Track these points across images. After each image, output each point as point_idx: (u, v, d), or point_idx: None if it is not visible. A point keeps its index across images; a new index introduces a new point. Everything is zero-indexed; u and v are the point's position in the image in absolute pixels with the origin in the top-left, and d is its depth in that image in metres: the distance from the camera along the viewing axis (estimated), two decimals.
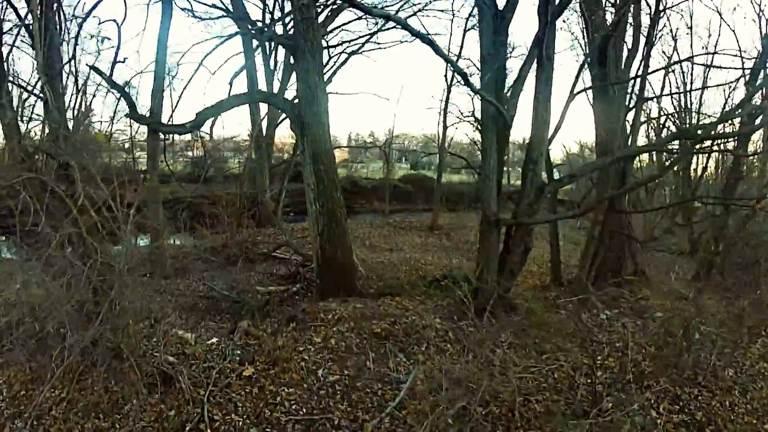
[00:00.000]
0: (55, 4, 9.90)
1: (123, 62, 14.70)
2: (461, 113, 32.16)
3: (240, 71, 9.54)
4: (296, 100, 10.82)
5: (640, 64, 10.50)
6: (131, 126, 33.53)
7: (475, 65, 32.70)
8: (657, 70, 9.03)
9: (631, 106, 10.33)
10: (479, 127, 34.59)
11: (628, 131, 11.32)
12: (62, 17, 10.74)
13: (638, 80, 10.96)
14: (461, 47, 22.68)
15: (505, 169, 40.72)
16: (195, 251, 16.20)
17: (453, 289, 10.41)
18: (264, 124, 21.67)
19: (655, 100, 14.32)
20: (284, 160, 29.31)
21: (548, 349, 8.11)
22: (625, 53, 10.47)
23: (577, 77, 9.71)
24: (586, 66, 10.68)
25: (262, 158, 19.74)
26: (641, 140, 12.29)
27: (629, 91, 10.48)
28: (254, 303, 11.28)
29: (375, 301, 9.29)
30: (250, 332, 7.81)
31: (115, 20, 15.35)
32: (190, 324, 9.50)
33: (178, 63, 25.25)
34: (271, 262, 14.63)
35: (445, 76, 22.77)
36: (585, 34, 11.96)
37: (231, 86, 10.43)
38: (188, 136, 34.13)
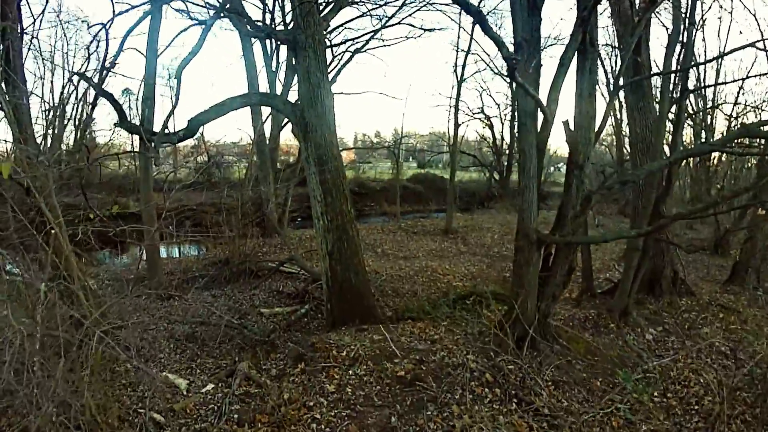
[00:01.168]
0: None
1: (112, 68, 13.59)
2: (470, 110, 31.08)
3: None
4: (298, 101, 9.60)
5: (680, 52, 9.10)
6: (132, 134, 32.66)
7: (482, 60, 31.68)
8: (716, 57, 7.52)
9: (672, 99, 8.95)
10: (489, 124, 33.72)
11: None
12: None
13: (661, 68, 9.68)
14: (470, 41, 21.34)
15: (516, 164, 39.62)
16: (196, 266, 15.05)
17: (480, 308, 9.25)
18: (268, 127, 20.61)
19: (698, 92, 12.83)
20: (290, 164, 28.16)
21: (598, 386, 6.85)
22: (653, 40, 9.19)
23: (621, 69, 8.35)
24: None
25: (265, 163, 18.50)
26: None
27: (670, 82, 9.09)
28: (258, 330, 10.08)
29: (394, 329, 8.05)
30: (251, 377, 6.57)
31: (102, 23, 14.16)
32: (185, 360, 8.31)
33: (169, 66, 24.10)
34: (278, 277, 13.41)
35: (455, 71, 21.46)
36: (615, 20, 10.62)
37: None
38: (191, 142, 33.28)
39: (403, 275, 13.59)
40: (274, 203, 18.56)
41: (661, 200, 8.68)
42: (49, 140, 32.08)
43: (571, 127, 6.55)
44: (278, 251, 16.39)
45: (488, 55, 34.61)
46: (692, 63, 8.59)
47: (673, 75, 8.87)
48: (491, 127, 32.80)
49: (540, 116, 6.40)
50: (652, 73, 8.39)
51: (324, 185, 8.69)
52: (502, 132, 34.02)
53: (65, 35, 27.36)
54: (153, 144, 14.31)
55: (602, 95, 30.24)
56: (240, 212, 14.26)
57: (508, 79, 31.64)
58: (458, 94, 21.01)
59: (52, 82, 29.24)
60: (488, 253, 17.46)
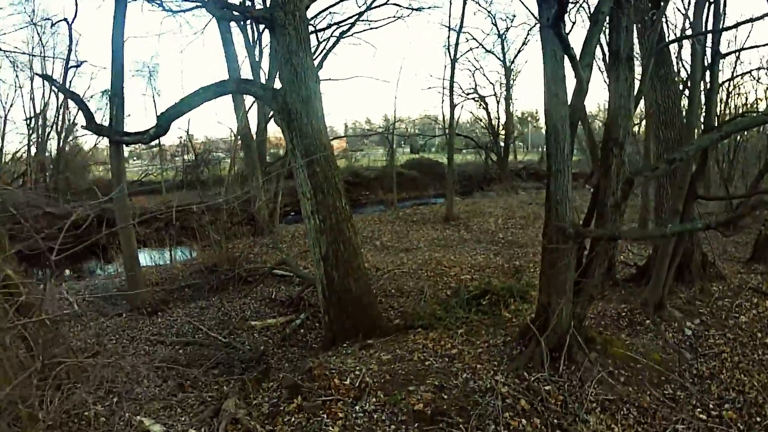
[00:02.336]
0: None
1: (78, 66, 12.44)
2: (464, 91, 29.77)
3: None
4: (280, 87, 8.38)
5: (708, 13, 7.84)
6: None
7: (475, 38, 30.35)
8: (754, 19, 6.34)
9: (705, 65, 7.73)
10: (484, 104, 32.37)
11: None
12: None
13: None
14: (462, 19, 19.98)
15: (513, 143, 38.36)
16: (183, 273, 13.86)
17: (498, 309, 8.12)
18: (255, 118, 19.31)
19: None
20: (280, 156, 26.87)
21: (648, 402, 5.76)
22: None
23: (651, 31, 7.09)
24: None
25: (252, 158, 17.22)
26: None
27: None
28: (248, 350, 8.95)
29: (404, 343, 6.91)
30: (238, 419, 5.41)
31: (65, 19, 12.86)
32: (164, 395, 7.16)
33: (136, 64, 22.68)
34: (270, 281, 12.23)
35: (447, 49, 20.12)
36: None
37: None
38: (176, 140, 31.93)
39: (406, 270, 12.44)
40: (263, 200, 17.33)
41: (697, 179, 7.52)
42: (33, 149, 30.75)
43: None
44: (270, 252, 15.19)
45: (482, 32, 33.32)
46: (733, 25, 7.32)
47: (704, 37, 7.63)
48: (486, 106, 31.50)
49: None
50: (685, 35, 7.21)
51: (313, 179, 7.49)
52: (498, 111, 32.72)
53: (41, 41, 25.91)
54: (123, 145, 13.17)
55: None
56: (225, 213, 12.97)
57: (501, 57, 30.37)
58: (452, 74, 19.74)
59: (32, 89, 27.74)
60: (493, 239, 16.33)
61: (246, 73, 19.14)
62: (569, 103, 5.18)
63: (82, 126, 17.53)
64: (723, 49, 7.96)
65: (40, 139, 30.11)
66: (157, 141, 32.24)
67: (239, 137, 17.54)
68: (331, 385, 5.74)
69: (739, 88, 21.66)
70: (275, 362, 8.54)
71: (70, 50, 13.85)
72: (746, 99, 20.64)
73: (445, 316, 7.68)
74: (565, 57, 4.83)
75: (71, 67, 14.54)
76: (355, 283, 7.41)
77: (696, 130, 8.05)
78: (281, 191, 18.86)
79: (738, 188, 17.39)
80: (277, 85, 8.66)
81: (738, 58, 22.65)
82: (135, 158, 49.37)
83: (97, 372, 8.15)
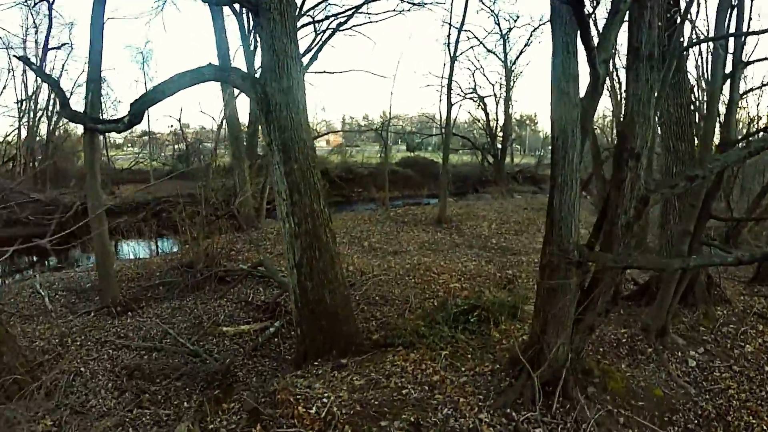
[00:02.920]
0: None
1: (59, 48, 11.63)
2: (462, 90, 29.00)
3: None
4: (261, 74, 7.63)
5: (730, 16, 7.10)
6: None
7: (476, 37, 29.44)
8: None
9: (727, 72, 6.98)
10: (483, 105, 31.59)
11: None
12: None
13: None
14: (464, 16, 19.17)
15: (510, 147, 37.61)
16: (161, 269, 13.06)
17: (488, 327, 7.40)
18: (246, 108, 18.52)
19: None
20: None
21: None
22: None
23: (673, 31, 6.33)
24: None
25: (240, 150, 16.41)
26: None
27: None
28: (217, 359, 8.20)
29: (381, 364, 6.17)
30: None
31: None
32: (121, 409, 6.43)
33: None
34: (249, 282, 11.46)
35: (447, 46, 19.32)
36: None
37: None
38: (167, 129, 31.06)
39: (393, 275, 11.70)
40: (248, 194, 16.54)
41: (711, 197, 6.81)
42: (24, 133, 29.81)
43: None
44: (253, 249, 14.41)
45: (485, 30, 32.53)
46: (762, 30, 6.57)
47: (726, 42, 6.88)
48: (485, 107, 30.73)
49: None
50: (708, 37, 6.47)
51: (289, 178, 6.72)
52: (496, 113, 31.92)
53: (35, 23, 24.97)
54: (99, 132, 12.35)
55: None
56: (204, 207, 12.15)
57: (502, 57, 29.64)
58: (451, 72, 18.95)
59: (24, 72, 26.77)
60: (486, 245, 15.61)
61: (240, 63, 18.36)
62: (580, 104, 4.43)
63: (56, 112, 16.72)
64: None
65: (31, 123, 29.25)
66: (147, 129, 31.50)
67: (224, 127, 16.66)
68: (295, 413, 5.01)
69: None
70: (244, 375, 7.80)
71: (49, 32, 13.04)
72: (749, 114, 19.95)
73: (428, 334, 6.93)
74: (575, 52, 4.07)
75: (51, 49, 13.77)
76: (331, 295, 6.65)
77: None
78: (269, 185, 18.04)
79: (738, 204, 16.67)
80: None
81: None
82: (129, 145, 48.39)
83: (50, 380, 7.38)
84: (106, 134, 33.26)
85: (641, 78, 4.40)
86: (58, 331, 9.63)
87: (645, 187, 4.57)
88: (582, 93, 4.56)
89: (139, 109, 8.33)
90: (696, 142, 8.37)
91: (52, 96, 27.01)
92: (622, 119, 4.68)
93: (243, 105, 50.47)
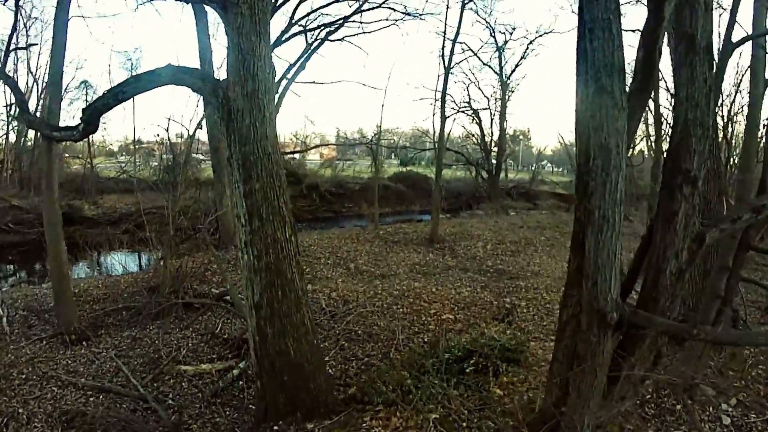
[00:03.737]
0: None
1: (27, 48, 10.48)
2: (456, 104, 27.94)
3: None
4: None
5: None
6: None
7: (471, 49, 28.42)
8: None
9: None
10: (478, 119, 30.47)
11: None
12: None
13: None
14: (459, 26, 18.14)
15: (504, 162, 36.56)
16: (128, 291, 11.74)
17: (487, 379, 6.15)
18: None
19: None
20: None
21: None
22: None
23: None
24: None
25: (219, 161, 15.16)
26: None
27: None
28: (169, 407, 6.91)
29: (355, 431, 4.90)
30: None
31: None
32: None
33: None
34: (220, 310, 10.16)
35: (442, 57, 18.22)
36: None
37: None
38: (154, 138, 29.71)
39: (379, 304, 10.43)
40: (230, 207, 15.26)
41: (754, 227, 5.63)
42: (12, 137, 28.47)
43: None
44: (231, 269, 13.12)
45: (480, 40, 31.64)
46: None
47: None
48: (479, 121, 29.62)
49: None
50: (751, 35, 5.37)
51: (249, 199, 5.50)
52: (491, 127, 30.81)
53: (26, 26, 23.81)
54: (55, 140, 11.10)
55: None
56: (172, 224, 10.83)
57: (497, 70, 28.68)
58: (445, 84, 17.84)
59: (15, 76, 25.47)
60: (481, 268, 14.38)
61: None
62: (627, 105, 3.18)
63: (14, 117, 15.52)
64: None
65: (20, 127, 27.96)
66: (133, 137, 30.19)
67: (195, 137, 15.39)
68: None
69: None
70: (198, 428, 6.51)
71: (13, 31, 11.79)
72: None
73: (415, 390, 5.65)
74: (620, 32, 2.87)
75: (16, 49, 12.66)
76: (296, 344, 5.36)
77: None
78: None
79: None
80: None
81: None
82: (123, 153, 46.96)
83: None
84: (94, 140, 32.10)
85: (698, 77, 3.22)
86: (7, 359, 8.52)
87: (700, 222, 3.35)
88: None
89: (91, 115, 7.30)
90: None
91: (41, 101, 25.85)
92: (671, 132, 3.48)
93: None
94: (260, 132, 5.77)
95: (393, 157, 47.10)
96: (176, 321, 9.90)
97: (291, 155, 29.89)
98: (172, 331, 9.48)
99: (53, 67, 10.42)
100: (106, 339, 9.48)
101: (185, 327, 9.57)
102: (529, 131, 55.86)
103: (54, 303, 10.23)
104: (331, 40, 19.69)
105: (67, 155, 33.92)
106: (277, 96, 18.11)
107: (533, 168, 49.41)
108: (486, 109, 30.30)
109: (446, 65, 17.78)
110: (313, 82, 19.04)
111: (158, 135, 28.93)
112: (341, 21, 18.93)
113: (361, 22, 19.84)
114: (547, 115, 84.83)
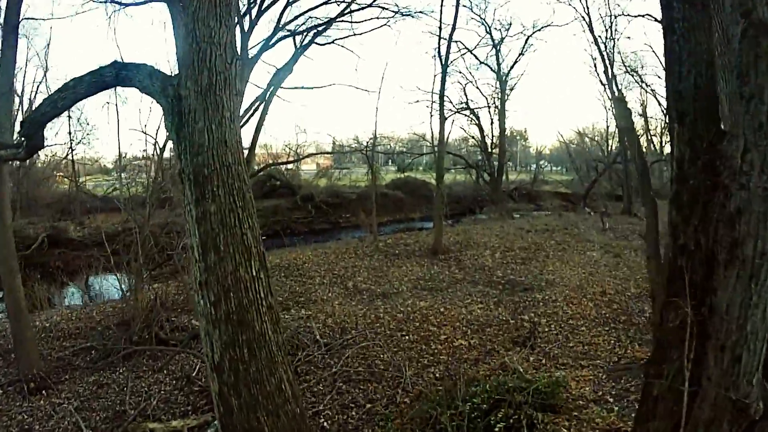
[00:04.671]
0: None
1: None
2: (454, 106, 26.55)
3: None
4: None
5: None
6: (71, 148, 27.79)
7: (468, 49, 26.98)
8: None
9: None
10: (477, 120, 29.05)
11: None
12: None
13: None
14: (454, 22, 16.82)
15: (509, 164, 35.19)
16: (101, 324, 10.37)
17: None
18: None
19: None
20: (252, 173, 23.48)
21: None
22: None
23: None
24: None
25: None
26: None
27: None
28: None
29: None
30: None
31: None
32: None
33: None
34: (200, 348, 8.77)
35: (438, 54, 16.90)
36: None
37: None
38: (140, 153, 28.38)
39: (382, 331, 9.08)
40: None
41: None
42: None
43: None
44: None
45: (478, 35, 30.29)
46: None
47: None
48: (479, 122, 28.19)
49: None
50: None
51: (202, 226, 4.16)
52: (491, 128, 29.35)
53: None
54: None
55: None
56: (141, 250, 9.41)
57: (495, 68, 27.42)
58: (443, 82, 16.52)
59: None
60: (491, 279, 13.00)
61: None
62: None
63: None
64: None
65: None
66: (118, 152, 28.83)
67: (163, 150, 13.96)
68: None
69: None
70: None
71: None
72: None
73: None
74: None
75: None
76: (272, 419, 3.93)
77: None
78: None
79: None
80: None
81: None
82: (116, 171, 45.60)
83: None
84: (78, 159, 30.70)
85: (761, 61, 1.87)
86: None
87: None
88: None
89: (30, 128, 5.96)
90: None
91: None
92: None
93: None
94: (216, 137, 4.43)
95: (390, 163, 45.76)
96: (149, 361, 8.54)
97: (284, 166, 28.56)
98: (143, 375, 8.12)
99: (3, 76, 9.08)
100: (71, 385, 8.14)
101: (158, 369, 8.20)
102: (526, 131, 54.50)
103: (13, 344, 8.90)
104: (320, 44, 18.46)
105: (61, 174, 32.58)
106: (263, 105, 16.82)
107: (533, 168, 48.07)
108: (485, 106, 28.77)
109: (443, 62, 16.49)
110: (302, 87, 17.74)
111: (144, 150, 27.57)
112: (329, 21, 17.65)
113: (351, 21, 18.56)
114: (544, 113, 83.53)
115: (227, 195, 4.24)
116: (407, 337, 8.73)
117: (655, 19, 19.04)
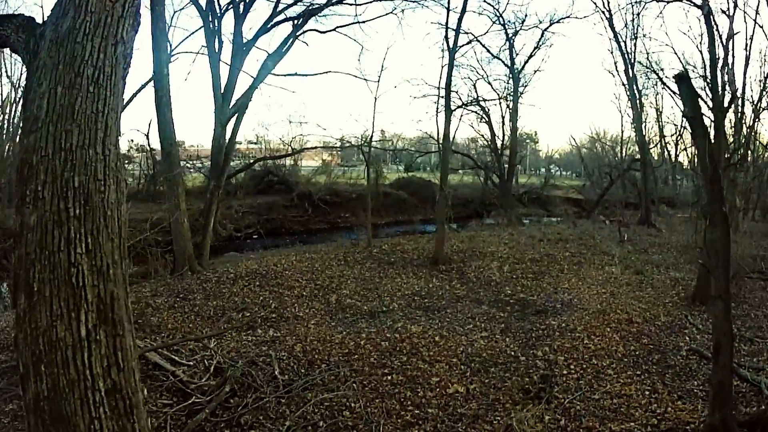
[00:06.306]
0: None
1: None
2: (462, 102, 24.62)
3: None
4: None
5: None
6: None
7: (478, 40, 24.86)
8: None
9: None
10: (487, 118, 27.07)
11: None
12: None
13: None
14: (462, 14, 14.91)
15: (519, 167, 33.19)
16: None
17: None
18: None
19: None
20: (243, 166, 21.82)
21: None
22: None
23: None
24: None
25: (171, 167, 12.08)
26: None
27: None
28: None
29: None
30: None
31: None
32: None
33: None
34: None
35: (446, 42, 15.02)
36: None
37: None
38: (125, 145, 26.72)
39: (359, 366, 7.28)
40: (186, 224, 12.20)
41: None
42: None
43: None
44: (178, 305, 10.00)
45: (489, 21, 28.19)
46: None
47: None
48: (489, 120, 26.16)
49: None
50: None
51: (18, 249, 2.39)
52: (502, 127, 27.27)
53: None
54: None
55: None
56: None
57: (508, 63, 25.51)
58: (450, 72, 14.66)
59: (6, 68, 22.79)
60: (498, 297, 11.18)
61: (204, 70, 14.17)
62: None
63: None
64: None
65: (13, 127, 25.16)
66: None
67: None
68: None
69: None
70: None
71: None
72: None
73: None
74: None
75: None
76: None
77: None
78: (215, 214, 13.69)
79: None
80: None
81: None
82: (127, 161, 44.14)
83: None
84: None
85: None
86: None
87: None
88: None
89: None
90: None
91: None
92: None
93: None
94: (60, 104, 2.66)
95: (398, 162, 43.84)
96: None
97: (284, 161, 26.85)
98: None
99: None
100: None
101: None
102: (536, 134, 52.22)
103: None
104: (320, 31, 16.71)
105: None
106: (249, 90, 15.05)
107: (543, 172, 45.96)
108: (496, 100, 26.60)
109: (450, 48, 14.64)
110: (296, 74, 16.00)
111: (132, 140, 26.08)
112: (328, 2, 15.87)
113: (355, 4, 16.72)
114: (555, 115, 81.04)
115: (56, 198, 2.48)
116: (389, 378, 6.93)
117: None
